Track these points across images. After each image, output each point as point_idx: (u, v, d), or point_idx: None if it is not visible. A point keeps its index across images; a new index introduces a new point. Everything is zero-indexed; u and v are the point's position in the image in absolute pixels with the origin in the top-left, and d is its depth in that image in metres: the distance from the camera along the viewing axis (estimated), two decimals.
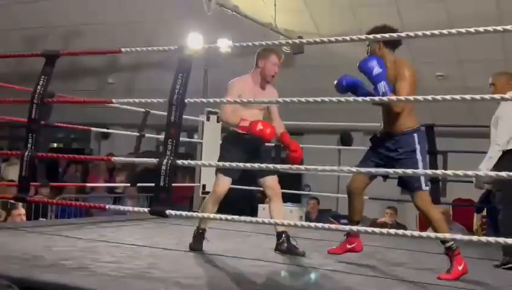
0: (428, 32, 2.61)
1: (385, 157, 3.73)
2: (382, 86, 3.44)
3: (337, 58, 9.06)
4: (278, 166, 3.57)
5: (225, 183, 4.17)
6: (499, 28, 2.34)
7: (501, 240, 2.25)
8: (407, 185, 3.66)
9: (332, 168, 2.94)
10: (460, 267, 3.48)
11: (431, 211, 3.63)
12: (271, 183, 4.26)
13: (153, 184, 2.90)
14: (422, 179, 3.57)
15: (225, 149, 4.29)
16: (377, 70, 3.47)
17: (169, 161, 2.75)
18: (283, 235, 4.24)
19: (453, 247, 3.52)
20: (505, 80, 4.37)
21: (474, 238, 2.35)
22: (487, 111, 4.49)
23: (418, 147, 3.63)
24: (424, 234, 2.67)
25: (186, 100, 2.83)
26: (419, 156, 3.61)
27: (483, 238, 2.29)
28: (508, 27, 2.36)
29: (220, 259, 3.91)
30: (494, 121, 4.31)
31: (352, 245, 4.00)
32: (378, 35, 3.05)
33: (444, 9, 7.61)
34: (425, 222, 3.96)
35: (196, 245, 4.20)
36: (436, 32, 2.59)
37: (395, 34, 2.96)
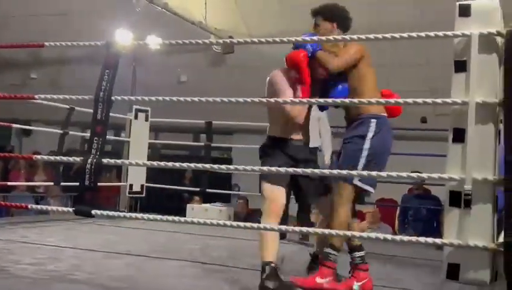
0: (355, 37, 2.67)
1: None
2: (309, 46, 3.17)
3: (267, 59, 9.12)
4: (208, 166, 3.31)
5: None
6: (422, 34, 2.43)
7: (421, 239, 2.33)
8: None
9: (263, 168, 2.93)
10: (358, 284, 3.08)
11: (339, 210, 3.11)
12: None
13: (77, 183, 2.80)
14: (359, 167, 3.01)
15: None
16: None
17: (95, 160, 2.67)
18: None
19: (356, 260, 3.16)
20: None
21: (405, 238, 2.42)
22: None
23: (369, 134, 3.09)
24: (348, 233, 2.70)
25: (113, 97, 2.75)
26: (367, 145, 3.07)
27: (406, 238, 2.37)
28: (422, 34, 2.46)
29: (146, 260, 3.83)
30: None
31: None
32: (308, 38, 3.07)
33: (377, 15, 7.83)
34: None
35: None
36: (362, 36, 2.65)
37: (333, 37, 2.98)
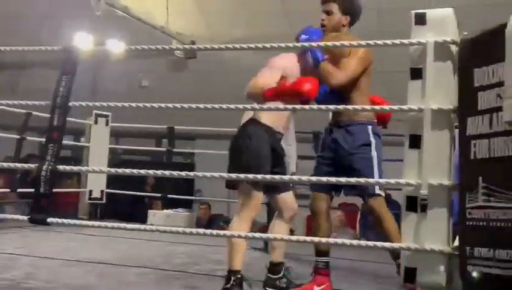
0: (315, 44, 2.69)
1: (335, 156, 3.16)
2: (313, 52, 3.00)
3: (229, 64, 9.13)
4: (175, 173, 3.13)
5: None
6: (379, 41, 2.46)
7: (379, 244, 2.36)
8: (360, 188, 3.06)
9: (234, 176, 2.92)
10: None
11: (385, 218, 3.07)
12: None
13: (28, 190, 2.73)
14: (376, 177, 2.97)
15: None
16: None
17: (50, 167, 2.61)
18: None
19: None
20: None
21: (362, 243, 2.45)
22: None
23: (373, 141, 3.09)
24: (314, 238, 2.71)
25: (70, 103, 2.70)
26: (374, 153, 3.06)
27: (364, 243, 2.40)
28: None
29: (106, 268, 3.77)
30: None
31: (321, 287, 3.15)
32: (268, 45, 3.02)
33: None
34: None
35: None
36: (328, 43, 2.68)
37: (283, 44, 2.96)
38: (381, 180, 2.43)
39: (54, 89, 2.71)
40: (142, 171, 2.88)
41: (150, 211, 7.52)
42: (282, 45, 2.79)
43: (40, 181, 2.60)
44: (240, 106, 2.99)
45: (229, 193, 11.17)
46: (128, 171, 2.93)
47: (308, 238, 2.62)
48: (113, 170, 3.36)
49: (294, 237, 2.80)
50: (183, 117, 8.65)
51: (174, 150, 7.15)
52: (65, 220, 2.69)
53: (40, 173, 2.59)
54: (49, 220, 2.63)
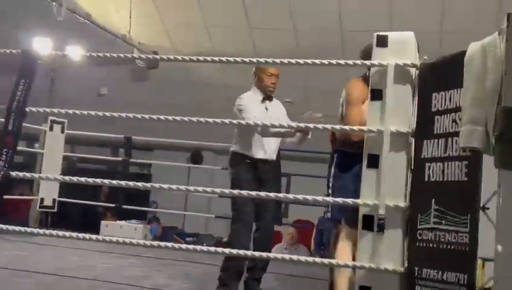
0: (278, 60, 2.70)
1: None
2: None
3: (192, 76, 9.10)
4: (131, 183, 3.08)
5: None
6: (341, 61, 2.50)
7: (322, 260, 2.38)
8: None
9: (206, 189, 2.88)
10: None
11: None
12: None
13: None
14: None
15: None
16: None
17: (2, 173, 2.53)
18: None
19: None
20: None
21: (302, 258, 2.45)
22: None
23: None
24: (264, 254, 2.71)
25: (27, 109, 2.63)
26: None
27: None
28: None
29: (57, 279, 3.66)
30: None
31: None
32: (232, 59, 3.00)
33: (294, 38, 8.01)
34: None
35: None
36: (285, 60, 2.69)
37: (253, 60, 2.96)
38: (338, 199, 2.45)
39: (11, 92, 2.63)
40: (98, 180, 2.82)
41: (102, 221, 7.38)
42: (246, 60, 2.80)
43: None
44: (202, 119, 2.96)
45: (186, 205, 11.15)
46: (83, 179, 2.86)
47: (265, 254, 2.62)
48: (67, 178, 3.26)
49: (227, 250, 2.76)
50: (142, 127, 8.58)
51: (131, 160, 7.05)
52: (16, 228, 2.60)
53: None
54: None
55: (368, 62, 2.41)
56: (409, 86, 2.37)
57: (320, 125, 2.63)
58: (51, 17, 7.23)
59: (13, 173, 2.58)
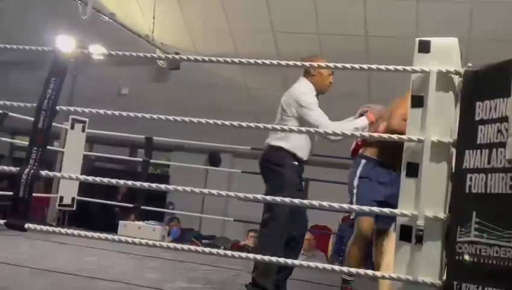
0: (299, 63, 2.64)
1: None
2: None
3: (212, 78, 9.07)
4: (146, 184, 3.07)
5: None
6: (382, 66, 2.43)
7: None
8: None
9: (221, 192, 2.82)
10: None
11: None
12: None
13: (4, 193, 2.60)
14: None
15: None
16: None
17: (32, 171, 2.50)
18: None
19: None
20: None
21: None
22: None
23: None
24: (289, 260, 2.63)
25: (57, 107, 2.59)
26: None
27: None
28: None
29: (73, 279, 3.61)
30: None
31: None
32: (252, 61, 2.89)
33: (318, 42, 7.93)
34: None
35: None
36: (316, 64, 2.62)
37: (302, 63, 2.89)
38: (375, 208, 2.37)
39: (42, 90, 2.60)
40: (121, 182, 2.78)
41: (120, 221, 7.34)
42: (267, 62, 2.75)
43: (20, 185, 2.48)
44: (219, 122, 2.89)
45: (203, 207, 11.13)
46: (105, 180, 2.82)
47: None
48: (90, 178, 3.20)
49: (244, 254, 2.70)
50: (161, 128, 8.56)
51: (151, 161, 7.02)
52: (43, 227, 2.56)
53: (21, 177, 2.47)
54: (26, 226, 2.50)
55: (409, 68, 2.34)
56: (452, 93, 2.30)
57: (370, 134, 2.55)
58: (74, 16, 7.24)
59: (43, 172, 2.54)
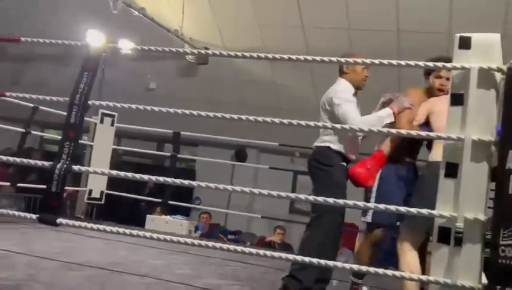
0: (334, 59, 2.59)
1: None
2: None
3: (240, 73, 9.05)
4: (170, 180, 3.03)
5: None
6: (420, 63, 2.37)
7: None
8: None
9: (245, 189, 2.80)
10: None
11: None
12: None
13: (36, 186, 2.61)
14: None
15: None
16: None
17: (65, 166, 2.50)
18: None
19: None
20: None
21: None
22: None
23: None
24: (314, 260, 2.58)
25: (90, 102, 2.59)
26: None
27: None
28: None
29: (105, 274, 3.63)
30: None
31: None
32: (277, 56, 2.84)
33: (348, 38, 7.85)
34: None
35: None
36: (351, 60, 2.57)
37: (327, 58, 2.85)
38: (413, 210, 2.31)
39: (74, 85, 2.60)
40: (153, 178, 2.77)
41: (148, 215, 7.38)
42: (293, 57, 2.71)
43: (53, 179, 2.49)
44: (243, 117, 2.86)
45: (229, 203, 11.12)
46: (138, 176, 2.81)
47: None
48: (122, 173, 3.20)
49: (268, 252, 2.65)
50: (188, 122, 8.56)
51: (178, 155, 7.03)
52: (75, 222, 2.57)
53: (54, 171, 2.48)
54: (59, 221, 2.51)
55: (449, 65, 2.27)
56: (494, 91, 2.22)
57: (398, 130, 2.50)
58: (104, 11, 7.28)
59: (75, 167, 2.55)
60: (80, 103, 2.61)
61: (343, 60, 2.85)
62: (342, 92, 3.51)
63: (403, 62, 2.46)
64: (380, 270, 2.27)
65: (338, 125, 3.15)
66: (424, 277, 2.20)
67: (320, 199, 2.50)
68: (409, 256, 2.96)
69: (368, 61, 2.54)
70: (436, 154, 2.89)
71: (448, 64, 2.29)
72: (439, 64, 2.38)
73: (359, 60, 2.65)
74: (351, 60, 2.70)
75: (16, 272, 3.25)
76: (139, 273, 3.75)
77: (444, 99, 3.24)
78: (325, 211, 3.31)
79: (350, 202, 2.50)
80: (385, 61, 2.46)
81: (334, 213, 3.35)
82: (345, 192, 3.44)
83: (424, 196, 2.76)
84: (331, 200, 2.46)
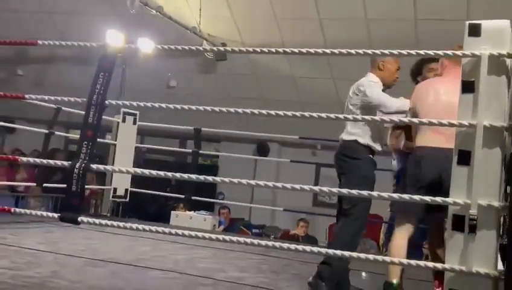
0: (353, 51, 2.59)
1: None
2: None
3: (258, 68, 9.07)
4: (194, 176, 2.98)
5: None
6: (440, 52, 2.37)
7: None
8: None
9: (268, 183, 2.83)
10: None
11: None
12: None
13: (60, 185, 2.69)
14: None
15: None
16: None
17: (83, 165, 2.56)
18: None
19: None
20: None
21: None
22: None
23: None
24: (339, 252, 2.60)
25: (107, 101, 2.65)
26: None
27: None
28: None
29: (129, 269, 3.70)
30: None
31: None
32: (296, 50, 2.85)
33: (366, 28, 7.81)
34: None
35: None
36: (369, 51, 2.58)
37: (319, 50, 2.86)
38: (426, 198, 2.32)
39: (91, 85, 2.66)
40: (177, 175, 2.82)
41: (172, 212, 7.47)
42: (312, 50, 2.72)
43: (73, 179, 2.55)
44: (264, 112, 2.88)
45: (252, 197, 11.17)
46: (162, 173, 2.86)
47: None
48: (147, 171, 3.22)
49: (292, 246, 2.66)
50: (209, 118, 8.63)
51: (200, 151, 7.09)
52: (96, 220, 2.63)
53: (73, 171, 2.54)
54: (80, 219, 2.58)
55: (459, 52, 2.27)
56: (505, 77, 2.21)
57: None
58: (122, 11, 7.37)
59: (93, 166, 2.61)
60: (97, 103, 2.66)
61: (361, 51, 2.80)
62: (372, 82, 3.56)
63: (422, 52, 2.46)
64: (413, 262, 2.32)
65: (350, 117, 3.22)
66: (439, 265, 2.21)
67: (344, 191, 2.53)
68: (398, 239, 3.13)
69: (386, 52, 2.52)
70: (421, 139, 3.13)
71: (459, 52, 2.28)
72: (449, 52, 2.37)
73: (377, 51, 2.63)
74: (369, 51, 2.66)
75: (41, 269, 3.34)
76: (163, 268, 3.82)
77: (424, 85, 3.33)
78: (355, 203, 3.38)
79: (374, 193, 2.50)
80: (404, 51, 2.44)
81: (364, 205, 3.42)
82: (373, 184, 3.46)
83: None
84: (355, 191, 2.47)
